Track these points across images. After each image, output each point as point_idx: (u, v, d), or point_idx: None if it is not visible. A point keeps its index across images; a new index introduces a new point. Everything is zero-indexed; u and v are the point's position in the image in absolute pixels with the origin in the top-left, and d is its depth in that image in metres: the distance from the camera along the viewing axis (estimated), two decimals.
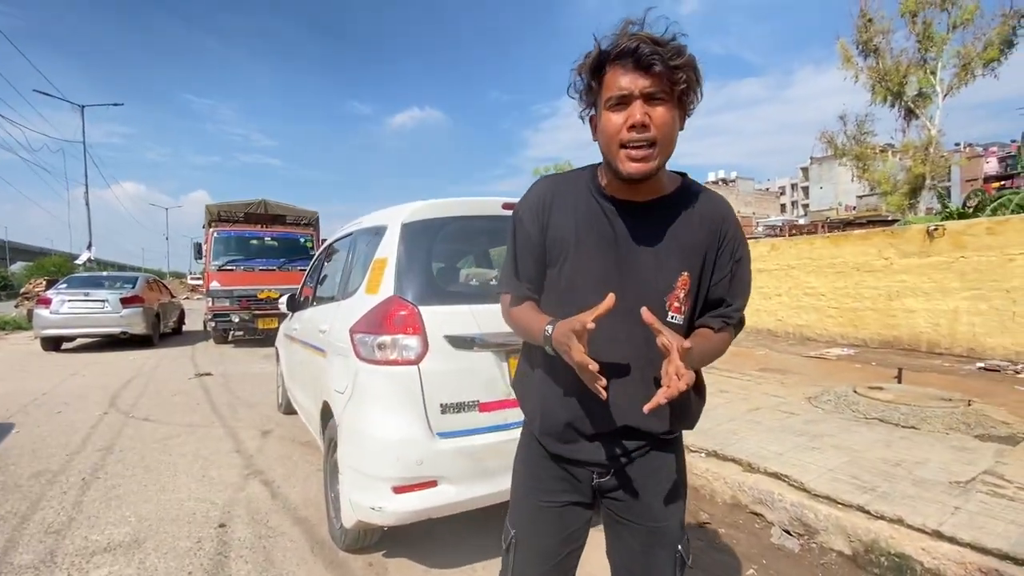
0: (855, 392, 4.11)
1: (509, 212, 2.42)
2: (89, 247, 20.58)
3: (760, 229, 29.51)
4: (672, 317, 1.00)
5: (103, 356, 8.59)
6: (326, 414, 2.56)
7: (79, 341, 9.87)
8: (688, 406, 1.08)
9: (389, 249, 2.25)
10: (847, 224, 20.52)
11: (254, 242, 9.95)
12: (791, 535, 2.46)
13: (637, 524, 1.08)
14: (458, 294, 2.36)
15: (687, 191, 1.04)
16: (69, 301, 8.89)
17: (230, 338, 10.19)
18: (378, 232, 2.44)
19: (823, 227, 19.98)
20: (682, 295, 1.00)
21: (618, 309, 0.91)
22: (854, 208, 33.06)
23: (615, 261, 1.00)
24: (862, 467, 2.78)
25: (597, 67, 0.93)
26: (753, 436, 3.33)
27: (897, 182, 18.91)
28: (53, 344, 9.09)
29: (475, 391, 2.11)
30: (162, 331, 10.66)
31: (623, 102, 0.90)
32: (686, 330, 1.04)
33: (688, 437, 3.31)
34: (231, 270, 9.45)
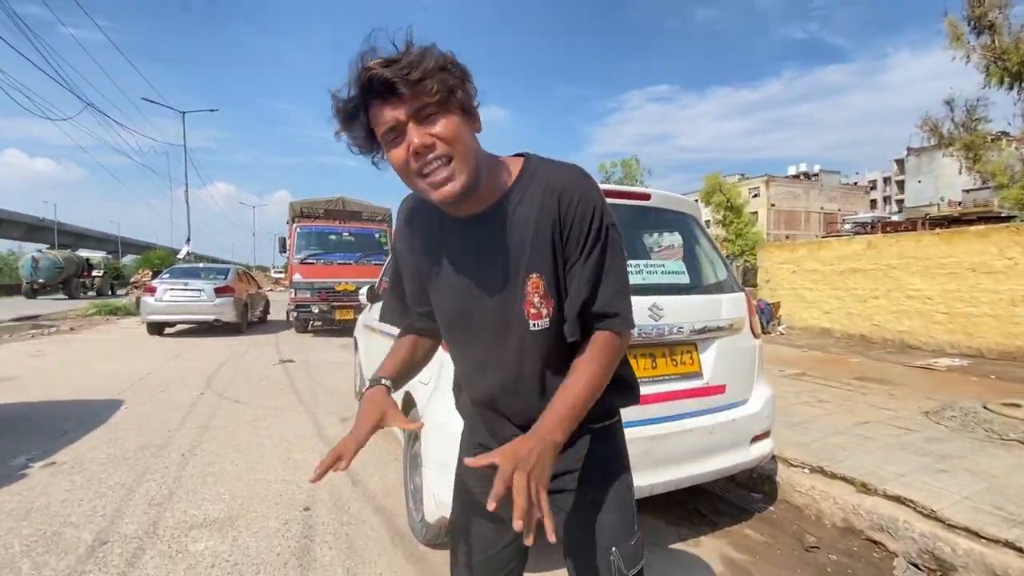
0: (986, 408, 3.60)
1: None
2: (188, 242, 22.49)
3: (848, 227, 27.30)
4: (534, 325, 0.92)
5: (200, 341, 9.30)
6: (407, 404, 2.54)
7: (179, 326, 10.74)
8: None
9: None
10: (952, 221, 18.48)
11: (332, 237, 10.42)
12: (920, 569, 2.15)
13: (569, 515, 1.02)
14: None
15: (526, 180, 0.92)
16: (171, 290, 9.71)
17: (309, 328, 10.72)
18: None
19: (923, 224, 18.10)
20: (536, 299, 0.91)
21: (479, 333, 0.95)
22: (959, 203, 29.74)
23: (467, 286, 0.95)
24: (1006, 496, 2.39)
25: (351, 116, 0.83)
26: (865, 453, 2.98)
27: (1015, 173, 16.72)
28: (157, 329, 9.93)
29: None
30: (249, 320, 11.42)
31: (395, 133, 0.82)
32: (558, 327, 0.93)
33: (787, 450, 3.01)
34: (312, 263, 9.94)
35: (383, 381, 1.01)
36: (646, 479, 2.06)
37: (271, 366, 6.79)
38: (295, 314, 9.97)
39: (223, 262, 29.01)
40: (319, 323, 10.35)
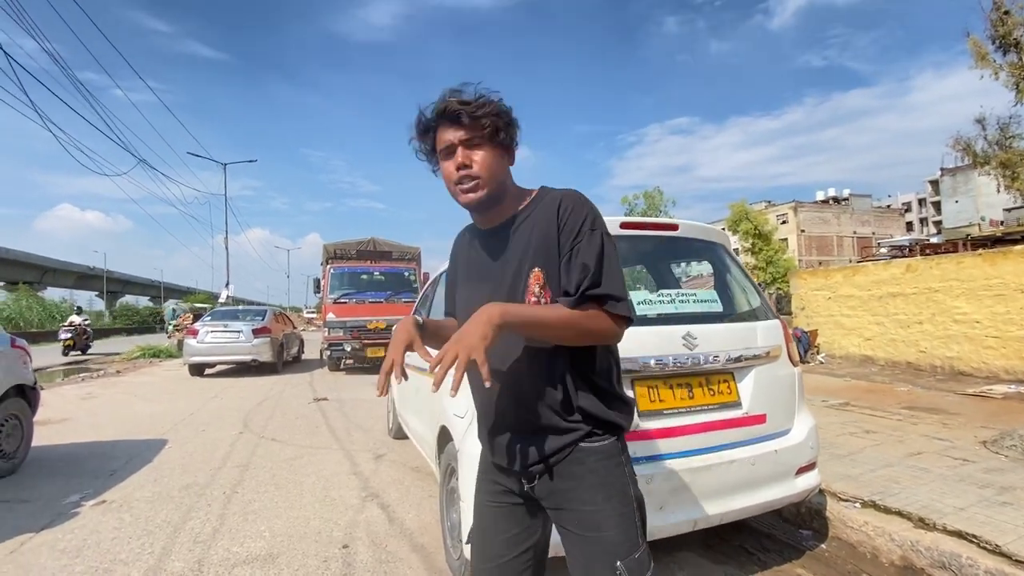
0: None
1: (627, 231, 2.37)
2: (227, 285, 23.38)
3: (883, 250, 26.47)
4: None
5: (238, 381, 9.55)
6: (443, 439, 2.56)
7: (218, 367, 11.06)
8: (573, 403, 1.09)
9: None
10: (995, 241, 17.71)
11: (364, 277, 10.71)
12: None
13: (573, 532, 1.08)
14: None
15: (538, 201, 1.15)
16: (212, 332, 10.14)
17: (342, 366, 10.89)
18: None
19: (965, 245, 17.41)
20: (537, 288, 1.07)
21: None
22: (1001, 223, 28.55)
23: (487, 286, 1.14)
24: None
25: (425, 130, 1.13)
26: (920, 486, 2.83)
27: None
28: (198, 370, 10.29)
29: None
30: (284, 359, 11.70)
31: (449, 151, 1.10)
32: None
33: (837, 483, 2.89)
34: (344, 302, 10.20)
35: (416, 316, 1.20)
36: (688, 513, 2.01)
37: (306, 405, 6.90)
38: (328, 352, 10.18)
39: (259, 304, 30.01)
40: (351, 361, 10.51)
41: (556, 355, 1.07)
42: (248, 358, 10.15)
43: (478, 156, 1.08)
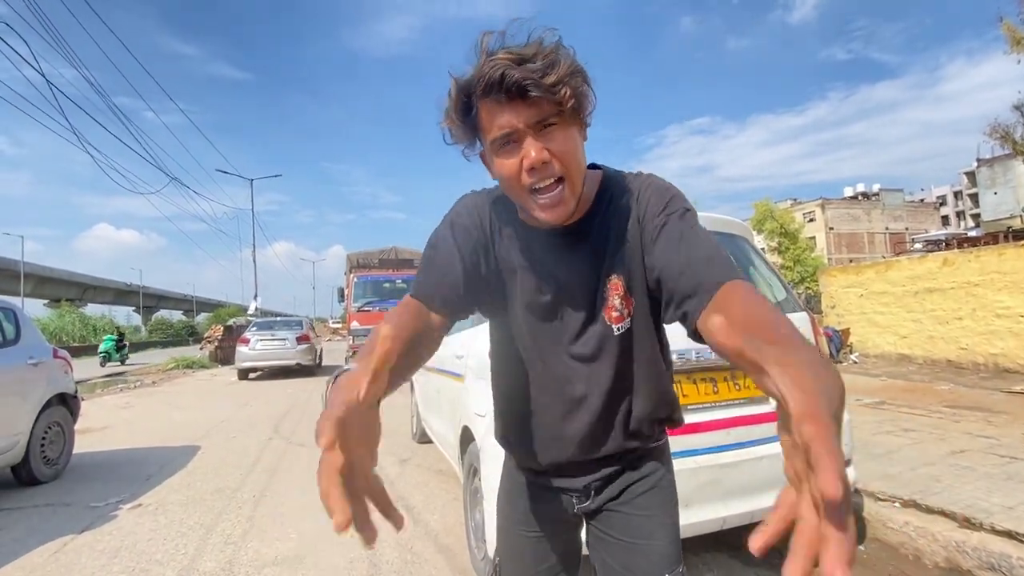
0: None
1: None
2: (256, 298, 23.99)
3: (918, 246, 25.57)
4: (617, 329, 0.87)
5: (267, 390, 9.76)
6: (465, 439, 2.56)
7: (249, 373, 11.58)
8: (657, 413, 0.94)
9: None
10: None
11: (387, 285, 10.90)
12: None
13: (618, 539, 0.94)
14: None
15: (607, 189, 0.88)
16: (261, 340, 11.56)
17: None
18: None
19: (1006, 237, 16.67)
20: (617, 301, 0.86)
21: (555, 348, 0.89)
22: None
23: (553, 298, 0.89)
24: None
25: (466, 109, 0.77)
26: (964, 484, 2.70)
27: None
28: (244, 374, 11.57)
29: None
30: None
31: (511, 140, 0.75)
32: (641, 331, 0.89)
33: (873, 483, 2.78)
34: (368, 311, 10.38)
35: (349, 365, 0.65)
36: (717, 511, 1.96)
37: None
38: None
39: (287, 315, 30.74)
40: None
41: (644, 354, 0.89)
42: (292, 362, 11.52)
43: (558, 146, 0.75)
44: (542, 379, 0.92)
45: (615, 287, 0.86)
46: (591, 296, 0.88)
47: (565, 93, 0.72)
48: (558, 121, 0.74)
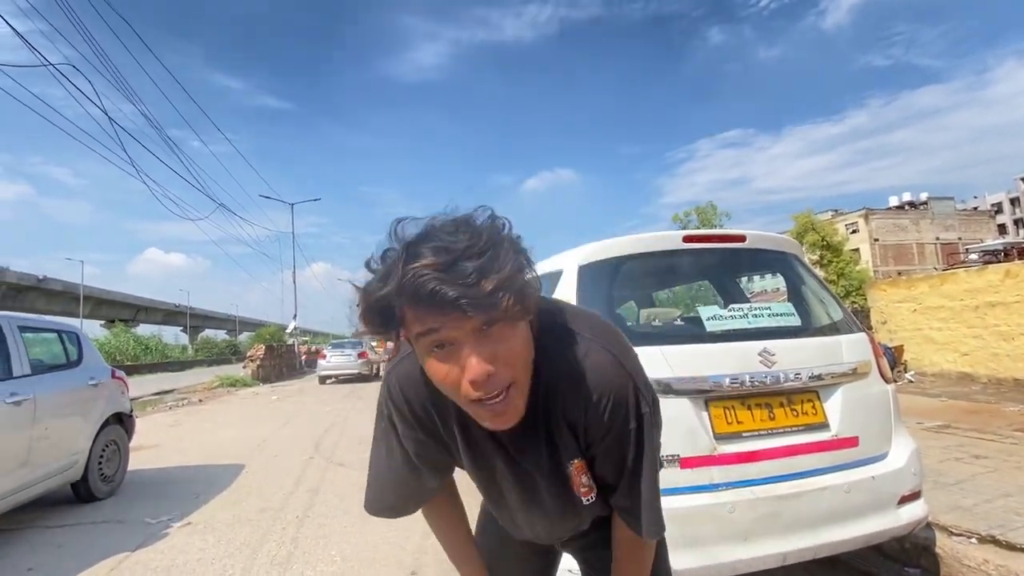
0: None
1: (691, 245, 2.29)
2: (295, 317, 24.74)
3: (973, 256, 24.19)
4: (587, 500, 0.90)
5: (307, 409, 9.97)
6: None
7: (285, 394, 11.83)
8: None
9: (567, 293, 2.21)
10: None
11: None
12: None
13: (600, 568, 1.02)
14: (644, 335, 2.21)
15: (540, 370, 0.77)
16: (334, 356, 16.57)
17: None
18: (554, 277, 2.43)
19: None
20: (584, 478, 0.88)
21: (535, 521, 0.98)
22: None
23: (523, 488, 0.92)
24: None
25: (386, 318, 0.66)
26: None
27: None
28: (323, 380, 16.32)
29: (674, 444, 1.88)
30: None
31: (443, 346, 0.65)
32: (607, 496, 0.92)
33: (944, 515, 2.59)
34: None
35: None
36: (776, 546, 1.85)
37: (369, 430, 7.05)
38: None
39: (322, 335, 31.78)
40: None
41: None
42: (355, 371, 16.35)
43: (503, 350, 0.66)
44: (515, 511, 1.01)
45: (578, 468, 0.87)
46: (557, 479, 0.88)
47: (507, 301, 0.61)
48: (504, 322, 0.65)
